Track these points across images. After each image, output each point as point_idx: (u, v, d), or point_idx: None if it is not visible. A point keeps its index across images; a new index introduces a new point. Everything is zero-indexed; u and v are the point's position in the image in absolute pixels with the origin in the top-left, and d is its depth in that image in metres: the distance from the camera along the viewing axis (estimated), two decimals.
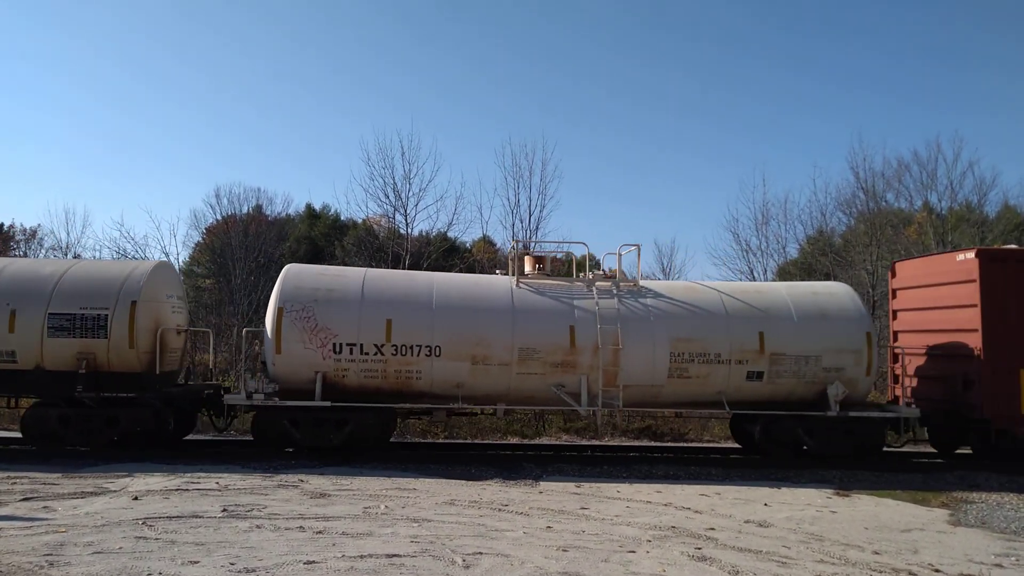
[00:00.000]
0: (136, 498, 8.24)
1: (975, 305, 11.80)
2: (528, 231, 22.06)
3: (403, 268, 20.15)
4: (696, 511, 8.53)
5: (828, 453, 11.80)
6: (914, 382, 13.26)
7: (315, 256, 29.33)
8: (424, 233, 24.13)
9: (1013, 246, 14.56)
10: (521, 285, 12.09)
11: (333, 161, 59.39)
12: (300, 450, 11.59)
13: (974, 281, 11.83)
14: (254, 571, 5.70)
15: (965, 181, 24.41)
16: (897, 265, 14.35)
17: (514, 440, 15.15)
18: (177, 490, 8.73)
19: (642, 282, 12.58)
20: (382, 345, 11.20)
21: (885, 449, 12.71)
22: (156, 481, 9.22)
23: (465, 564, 6.03)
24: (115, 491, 8.63)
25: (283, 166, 60.61)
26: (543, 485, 9.87)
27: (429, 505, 8.33)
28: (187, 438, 13.03)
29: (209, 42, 69.17)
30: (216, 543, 6.45)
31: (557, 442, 14.99)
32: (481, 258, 25.19)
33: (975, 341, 11.81)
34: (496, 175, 58.68)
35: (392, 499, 8.57)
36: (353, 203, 48.32)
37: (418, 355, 11.25)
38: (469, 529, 7.25)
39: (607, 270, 13.09)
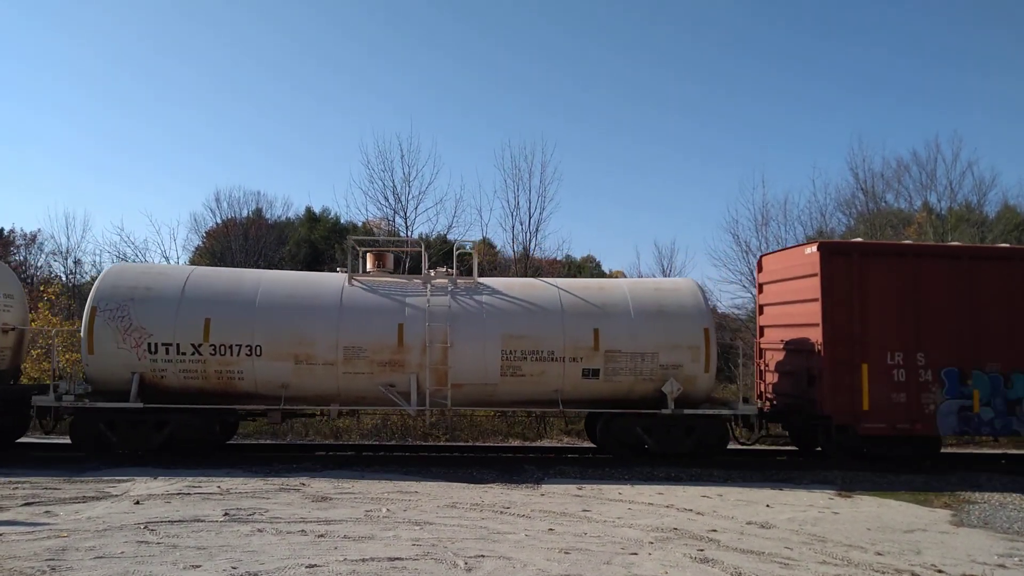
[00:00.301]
0: (138, 503, 8.24)
1: (816, 299, 11.71)
2: (528, 233, 22.05)
3: (403, 271, 20.10)
4: (698, 513, 8.52)
5: (668, 451, 11.63)
6: (775, 378, 13.11)
7: (315, 259, 29.32)
8: (424, 236, 24.14)
9: (858, 239, 14.37)
10: (354, 283, 11.86)
11: (333, 164, 59.43)
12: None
13: (816, 275, 11.74)
14: (256, 575, 5.70)
15: (964, 181, 24.54)
16: (763, 259, 14.12)
17: (515, 442, 15.17)
18: (179, 494, 8.72)
19: (483, 279, 12.44)
20: (199, 345, 11.01)
21: (733, 447, 12.60)
22: (158, 485, 9.22)
23: (467, 567, 6.02)
24: (117, 496, 8.63)
25: (283, 169, 60.76)
26: (545, 487, 9.87)
27: (431, 508, 8.33)
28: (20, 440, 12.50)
29: (209, 42, 69.32)
30: (218, 547, 6.45)
31: (559, 444, 15.00)
32: (481, 260, 25.13)
33: (817, 336, 11.68)
34: (496, 177, 58.83)
35: (394, 502, 8.57)
36: (353, 206, 47.98)
37: (238, 355, 11.07)
38: (471, 532, 7.24)
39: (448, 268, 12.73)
